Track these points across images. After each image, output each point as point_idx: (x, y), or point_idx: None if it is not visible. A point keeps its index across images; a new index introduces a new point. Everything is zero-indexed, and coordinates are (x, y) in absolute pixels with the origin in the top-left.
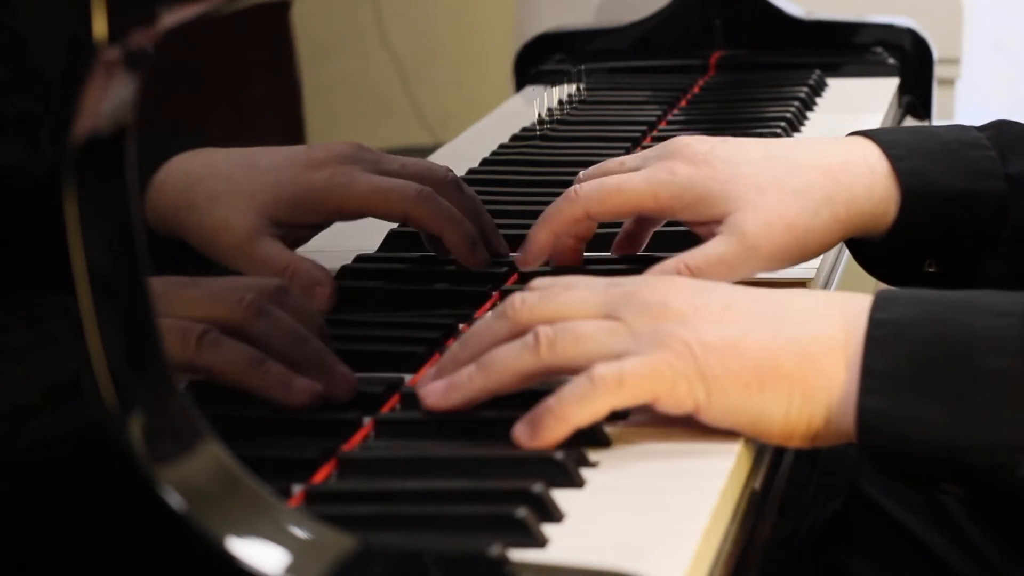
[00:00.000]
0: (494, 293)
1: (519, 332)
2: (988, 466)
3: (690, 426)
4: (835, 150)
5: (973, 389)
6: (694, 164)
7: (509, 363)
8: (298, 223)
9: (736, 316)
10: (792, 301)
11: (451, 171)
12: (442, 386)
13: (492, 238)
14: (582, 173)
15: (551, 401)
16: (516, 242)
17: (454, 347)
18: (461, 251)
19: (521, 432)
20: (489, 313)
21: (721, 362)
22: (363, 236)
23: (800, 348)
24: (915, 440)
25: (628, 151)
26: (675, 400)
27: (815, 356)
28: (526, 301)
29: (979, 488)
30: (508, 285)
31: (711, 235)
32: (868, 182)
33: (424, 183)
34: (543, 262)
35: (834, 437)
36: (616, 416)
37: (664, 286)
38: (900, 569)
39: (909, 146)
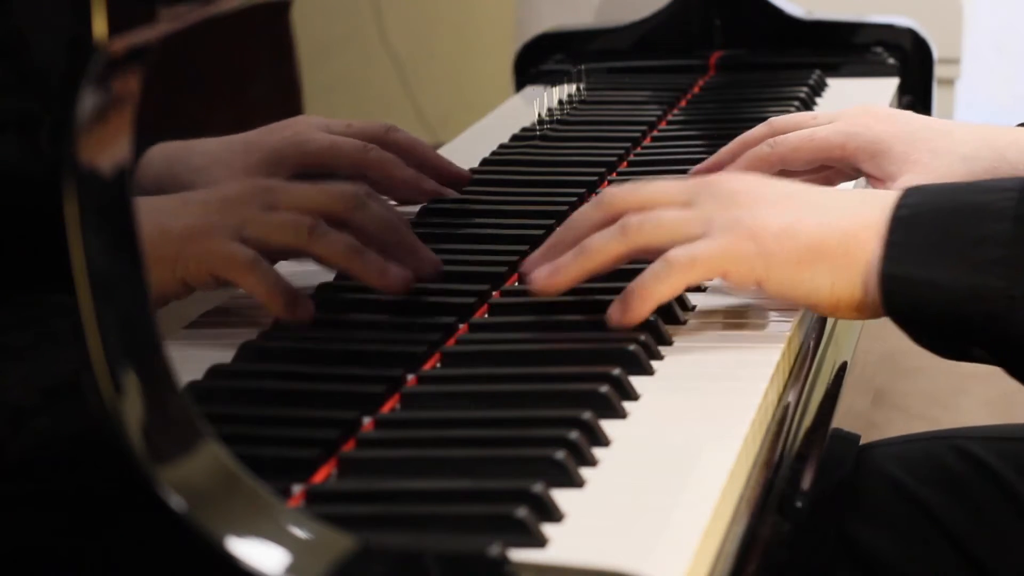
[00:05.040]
0: (494, 293)
1: (611, 219)
2: (986, 314)
3: (689, 426)
4: (1006, 131)
5: (973, 249)
6: (882, 122)
7: (603, 247)
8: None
9: (793, 203)
10: (841, 194)
11: (391, 125)
12: (547, 270)
13: (441, 167)
14: (773, 119)
15: (634, 284)
16: (517, 241)
17: (558, 231)
18: (409, 188)
19: (615, 310)
20: (587, 204)
21: (778, 243)
22: None
23: (843, 230)
24: (928, 300)
25: (628, 151)
26: (740, 276)
27: (855, 235)
28: (617, 192)
29: (984, 341)
30: (508, 286)
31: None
32: None
33: (367, 136)
34: None
35: (873, 307)
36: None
37: (735, 179)
38: (909, 537)
39: None
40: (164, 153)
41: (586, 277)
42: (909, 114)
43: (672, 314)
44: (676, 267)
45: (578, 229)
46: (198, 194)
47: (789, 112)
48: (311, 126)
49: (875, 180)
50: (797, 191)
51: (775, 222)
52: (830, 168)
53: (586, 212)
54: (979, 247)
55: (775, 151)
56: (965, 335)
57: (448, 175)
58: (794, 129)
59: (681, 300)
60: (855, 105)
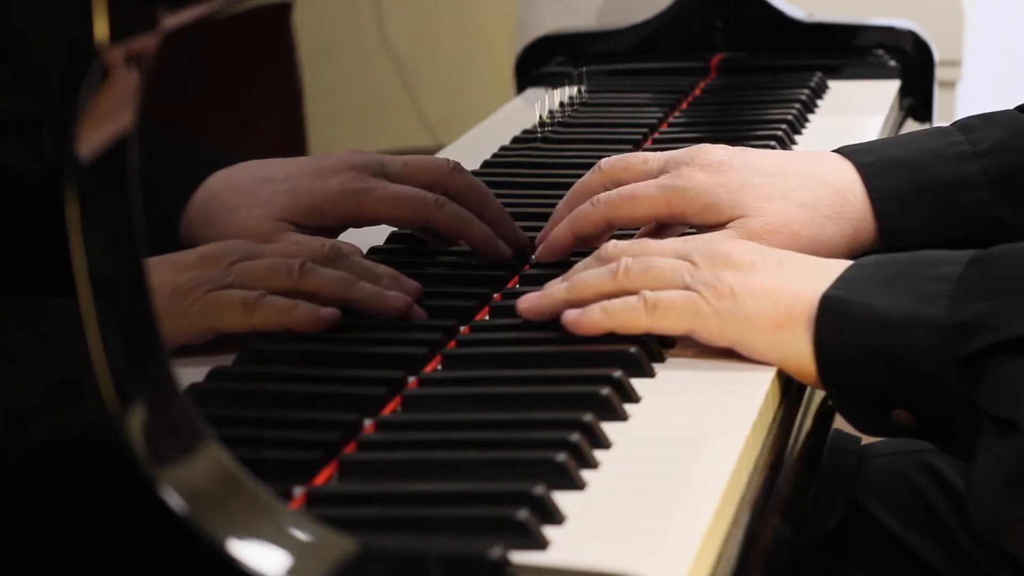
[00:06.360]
0: (495, 295)
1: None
2: (914, 347)
3: (690, 428)
4: (836, 168)
5: (922, 285)
6: (707, 172)
7: (591, 282)
8: (316, 226)
9: (785, 271)
10: (841, 264)
11: (451, 161)
12: (535, 295)
13: (504, 226)
14: (603, 161)
15: (605, 302)
16: None
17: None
18: (487, 247)
19: (572, 313)
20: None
21: (757, 305)
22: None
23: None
24: (859, 326)
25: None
26: (709, 334)
27: None
28: (618, 245)
29: (913, 382)
30: (509, 287)
31: None
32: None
33: (429, 176)
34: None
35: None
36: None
37: (732, 241)
38: None
39: (891, 189)
40: (205, 189)
41: (569, 307)
42: (743, 157)
43: None
44: (641, 306)
45: (578, 278)
46: (175, 256)
47: (790, 114)
48: (360, 164)
49: (707, 232)
50: (792, 259)
51: (758, 284)
52: (665, 225)
53: (584, 263)
54: (929, 283)
55: (597, 210)
56: (887, 375)
57: (506, 234)
58: (623, 172)
59: None
60: (691, 147)
